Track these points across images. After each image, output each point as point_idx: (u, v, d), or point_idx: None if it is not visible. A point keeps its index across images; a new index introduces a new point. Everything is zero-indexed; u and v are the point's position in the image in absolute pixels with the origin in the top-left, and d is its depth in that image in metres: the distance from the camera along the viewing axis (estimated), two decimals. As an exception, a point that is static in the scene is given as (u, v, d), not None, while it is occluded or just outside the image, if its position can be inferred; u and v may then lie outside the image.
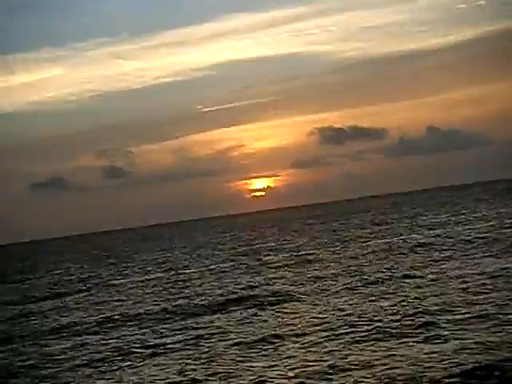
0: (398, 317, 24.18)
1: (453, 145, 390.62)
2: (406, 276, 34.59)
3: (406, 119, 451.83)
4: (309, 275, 40.14)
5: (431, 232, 60.60)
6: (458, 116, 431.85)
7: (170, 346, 24.56)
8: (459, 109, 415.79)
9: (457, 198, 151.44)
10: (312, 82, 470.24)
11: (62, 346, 27.72)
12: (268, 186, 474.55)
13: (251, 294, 34.98)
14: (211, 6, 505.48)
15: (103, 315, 34.69)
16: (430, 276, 33.35)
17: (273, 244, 74.49)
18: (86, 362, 24.10)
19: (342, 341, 21.67)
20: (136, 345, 25.53)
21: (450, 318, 23.03)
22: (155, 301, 37.37)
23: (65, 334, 30.69)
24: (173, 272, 55.09)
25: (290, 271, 44.02)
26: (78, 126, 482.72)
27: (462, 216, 78.26)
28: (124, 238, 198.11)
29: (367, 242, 59.67)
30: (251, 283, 39.48)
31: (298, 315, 27.12)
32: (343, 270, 40.60)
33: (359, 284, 33.85)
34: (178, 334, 26.52)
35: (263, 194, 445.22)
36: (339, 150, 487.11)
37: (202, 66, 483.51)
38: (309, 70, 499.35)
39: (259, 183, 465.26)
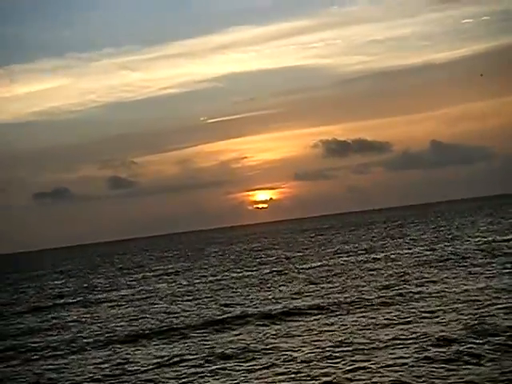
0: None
1: (456, 159, 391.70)
2: (444, 290, 34.47)
3: (410, 133, 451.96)
4: (347, 285, 40.36)
5: (454, 243, 60.80)
6: (461, 130, 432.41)
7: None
8: (463, 123, 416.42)
9: (465, 211, 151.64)
10: (316, 95, 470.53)
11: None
12: (271, 198, 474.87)
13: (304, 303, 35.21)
14: (216, 19, 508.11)
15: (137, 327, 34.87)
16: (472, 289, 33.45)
17: (290, 253, 74.64)
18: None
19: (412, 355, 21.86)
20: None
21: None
22: (210, 309, 37.19)
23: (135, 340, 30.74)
24: (201, 280, 55.36)
25: (329, 282, 44.08)
26: (82, 136, 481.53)
27: (482, 228, 78.53)
28: (131, 248, 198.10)
29: (392, 253, 59.76)
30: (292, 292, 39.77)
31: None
32: (375, 282, 40.72)
33: (403, 296, 33.73)
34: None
35: (266, 206, 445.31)
36: (342, 163, 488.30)
37: (206, 78, 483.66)
38: (313, 82, 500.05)
39: (262, 195, 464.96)
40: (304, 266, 57.47)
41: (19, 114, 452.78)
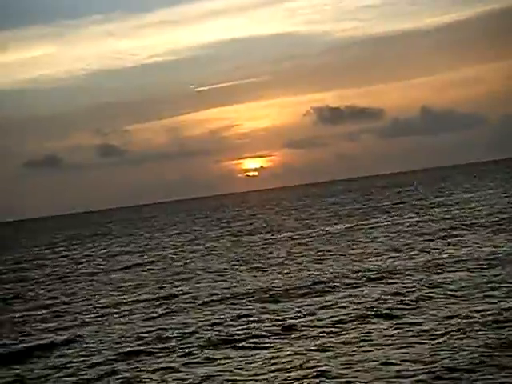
0: None
1: (446, 125, 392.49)
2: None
3: (401, 99, 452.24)
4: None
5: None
6: (451, 96, 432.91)
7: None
8: (453, 89, 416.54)
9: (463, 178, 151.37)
10: (307, 62, 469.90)
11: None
12: (261, 166, 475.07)
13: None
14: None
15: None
16: None
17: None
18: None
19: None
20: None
21: None
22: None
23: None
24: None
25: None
26: (72, 104, 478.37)
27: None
28: (125, 217, 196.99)
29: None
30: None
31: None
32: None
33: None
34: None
35: (256, 174, 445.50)
36: (334, 131, 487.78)
37: (196, 45, 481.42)
38: (304, 49, 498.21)
39: (252, 163, 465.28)
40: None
41: (8, 82, 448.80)
